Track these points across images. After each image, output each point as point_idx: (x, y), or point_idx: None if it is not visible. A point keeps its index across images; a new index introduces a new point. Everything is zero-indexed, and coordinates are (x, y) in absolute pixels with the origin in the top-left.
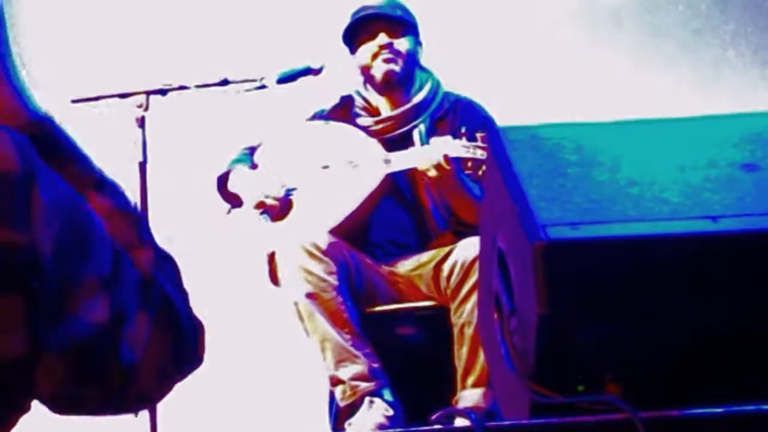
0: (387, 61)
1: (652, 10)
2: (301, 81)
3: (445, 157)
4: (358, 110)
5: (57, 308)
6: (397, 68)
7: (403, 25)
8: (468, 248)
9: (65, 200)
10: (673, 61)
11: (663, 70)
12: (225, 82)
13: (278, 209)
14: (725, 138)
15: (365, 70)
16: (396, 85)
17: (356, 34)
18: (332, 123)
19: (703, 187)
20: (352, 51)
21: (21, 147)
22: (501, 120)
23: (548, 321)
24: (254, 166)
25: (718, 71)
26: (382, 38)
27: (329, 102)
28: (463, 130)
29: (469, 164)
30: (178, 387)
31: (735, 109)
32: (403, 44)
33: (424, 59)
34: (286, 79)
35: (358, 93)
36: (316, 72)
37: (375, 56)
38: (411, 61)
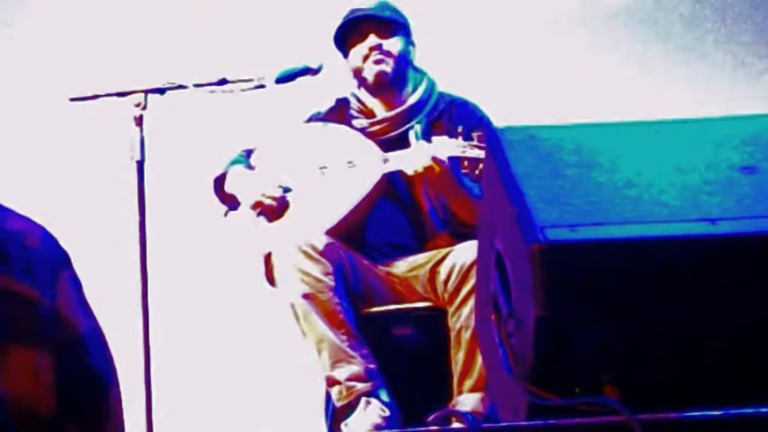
0: (377, 62)
1: (652, 11)
2: (300, 81)
3: (434, 158)
4: (353, 112)
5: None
6: (387, 69)
7: (393, 25)
8: (465, 252)
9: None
10: (674, 62)
11: (664, 71)
12: (223, 82)
13: (275, 209)
14: (724, 140)
15: (357, 73)
16: (388, 86)
17: (346, 37)
18: (329, 124)
19: (702, 189)
20: (345, 55)
21: (50, 241)
22: (501, 121)
23: (546, 323)
24: (251, 169)
25: (720, 72)
26: (372, 39)
27: (327, 103)
28: (459, 129)
29: (466, 163)
30: (176, 388)
31: (736, 110)
32: (393, 45)
33: (424, 60)
34: (284, 78)
35: (354, 95)
36: (315, 72)
37: (366, 58)
38: (402, 61)
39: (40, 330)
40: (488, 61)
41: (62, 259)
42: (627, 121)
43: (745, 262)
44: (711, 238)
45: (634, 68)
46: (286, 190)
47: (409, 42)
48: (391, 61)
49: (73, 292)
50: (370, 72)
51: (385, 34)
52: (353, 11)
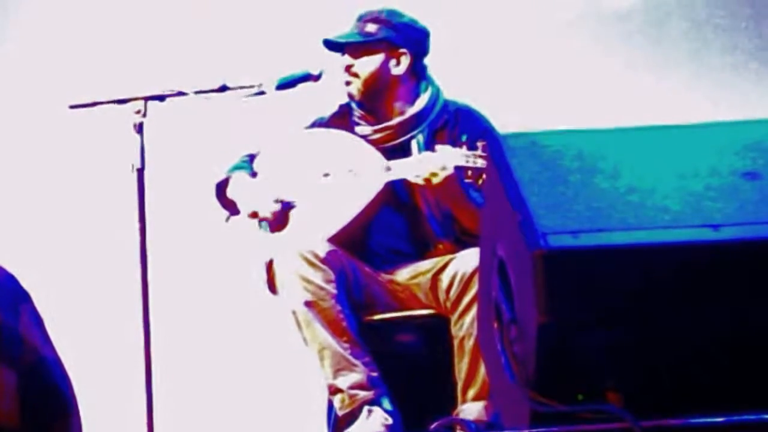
0: (345, 83)
1: (658, 14)
2: (301, 87)
3: (438, 168)
4: (356, 119)
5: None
6: (353, 90)
7: (370, 44)
8: (467, 260)
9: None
10: (677, 66)
11: (666, 76)
12: (223, 88)
13: (274, 221)
14: (727, 145)
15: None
16: (362, 105)
17: (333, 50)
18: (332, 131)
19: (704, 195)
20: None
21: (12, 279)
22: (505, 125)
23: (548, 329)
24: (254, 174)
25: (725, 76)
26: (345, 59)
27: (328, 109)
28: (463, 138)
29: (469, 173)
30: (177, 396)
31: (743, 115)
32: (363, 65)
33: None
34: (285, 85)
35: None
36: (316, 78)
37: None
38: (375, 80)
39: (5, 348)
40: (491, 64)
41: (24, 295)
42: (629, 127)
43: (748, 268)
44: (713, 244)
45: (636, 73)
46: (286, 205)
47: (390, 58)
48: (358, 82)
49: (35, 322)
50: (345, 91)
51: (357, 53)
52: (326, 41)
